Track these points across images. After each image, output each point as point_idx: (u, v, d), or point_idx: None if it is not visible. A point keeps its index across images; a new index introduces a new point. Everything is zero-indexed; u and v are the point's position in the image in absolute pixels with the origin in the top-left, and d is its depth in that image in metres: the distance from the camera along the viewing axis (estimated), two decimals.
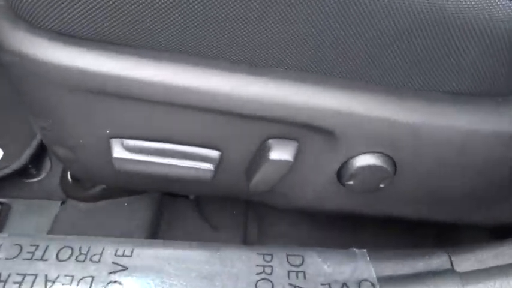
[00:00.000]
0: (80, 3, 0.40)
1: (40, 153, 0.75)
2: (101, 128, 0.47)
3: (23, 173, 0.73)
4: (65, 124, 0.48)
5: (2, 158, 0.72)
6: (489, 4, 0.39)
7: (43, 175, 0.76)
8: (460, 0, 0.38)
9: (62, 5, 0.40)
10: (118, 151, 0.48)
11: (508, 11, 0.38)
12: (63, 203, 0.69)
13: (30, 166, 0.74)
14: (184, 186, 0.56)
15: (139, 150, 0.48)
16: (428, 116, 0.46)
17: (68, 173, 0.70)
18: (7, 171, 0.70)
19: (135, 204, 0.67)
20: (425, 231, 0.71)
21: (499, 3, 0.39)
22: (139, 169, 0.49)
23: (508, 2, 0.39)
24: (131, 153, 0.48)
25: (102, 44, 0.41)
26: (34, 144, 0.74)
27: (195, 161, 0.49)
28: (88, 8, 0.40)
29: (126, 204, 0.66)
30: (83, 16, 0.40)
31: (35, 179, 0.75)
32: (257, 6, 0.37)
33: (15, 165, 0.71)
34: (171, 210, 0.72)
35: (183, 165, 0.49)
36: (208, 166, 0.49)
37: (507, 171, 0.53)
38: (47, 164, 0.77)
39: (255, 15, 0.38)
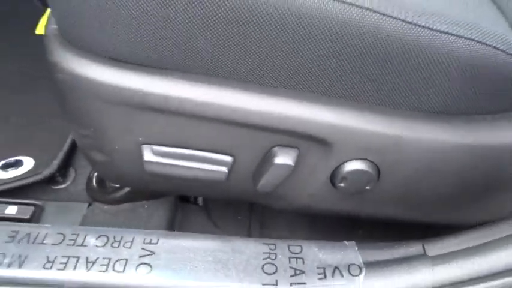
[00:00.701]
0: (119, 34, 0.49)
1: (66, 164, 0.84)
2: (135, 136, 0.56)
3: (51, 180, 0.82)
4: (104, 133, 0.57)
5: (34, 166, 0.81)
6: (451, 41, 0.49)
7: (68, 183, 0.84)
8: (431, 38, 0.49)
9: (105, 35, 0.50)
10: (148, 155, 0.57)
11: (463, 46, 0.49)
12: (89, 205, 0.78)
13: (57, 174, 0.82)
14: (201, 188, 0.65)
15: (166, 155, 0.57)
16: (407, 130, 0.56)
17: (94, 178, 0.79)
18: (39, 177, 0.78)
19: (154, 207, 0.76)
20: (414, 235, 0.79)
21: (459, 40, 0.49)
22: (165, 171, 0.58)
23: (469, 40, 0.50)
24: (159, 157, 0.57)
25: (144, 67, 0.51)
26: (61, 155, 0.83)
27: (211, 164, 0.58)
28: (126, 38, 0.49)
29: (146, 206, 0.75)
30: (124, 45, 0.50)
31: (61, 186, 0.83)
32: (269, 46, 0.48)
33: (46, 172, 0.79)
34: (183, 214, 0.80)
35: (202, 167, 0.58)
36: (223, 169, 0.58)
37: (476, 179, 0.63)
38: (72, 173, 0.85)
39: (266, 51, 0.48)
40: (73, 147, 0.86)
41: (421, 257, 0.53)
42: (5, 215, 0.73)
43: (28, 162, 0.82)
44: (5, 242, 0.55)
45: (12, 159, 0.82)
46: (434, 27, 0.48)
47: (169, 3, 0.46)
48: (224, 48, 0.48)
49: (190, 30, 0.47)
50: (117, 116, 0.55)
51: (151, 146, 0.57)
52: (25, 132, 0.87)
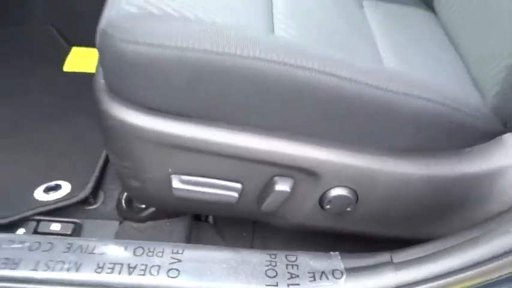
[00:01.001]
0: (157, 91, 0.64)
1: (97, 187, 0.99)
2: (166, 168, 0.70)
3: (84, 201, 0.95)
4: (141, 165, 0.71)
5: (71, 189, 0.96)
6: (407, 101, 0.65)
7: (98, 204, 0.96)
8: (396, 101, 0.64)
9: (145, 90, 0.65)
10: (176, 183, 0.71)
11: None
12: (120, 223, 0.92)
13: (90, 196, 0.96)
14: (215, 209, 0.80)
15: (191, 183, 0.71)
16: (378, 164, 0.70)
17: (123, 200, 0.94)
18: (76, 199, 0.93)
19: (174, 224, 0.91)
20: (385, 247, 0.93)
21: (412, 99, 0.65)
22: (189, 195, 0.72)
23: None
24: (185, 185, 0.72)
25: (176, 116, 0.66)
26: (93, 179, 0.98)
27: (225, 190, 0.72)
28: (163, 94, 0.63)
29: (168, 224, 0.90)
30: (160, 99, 0.65)
31: (92, 207, 0.96)
32: (277, 107, 0.64)
33: (82, 194, 0.94)
34: (197, 230, 0.95)
35: (218, 192, 0.72)
36: (234, 194, 0.71)
37: (435, 203, 0.77)
38: (102, 196, 0.99)
39: (274, 108, 0.64)
40: (103, 172, 1.01)
41: (388, 264, 0.67)
42: (51, 231, 0.88)
43: (66, 186, 0.96)
44: (64, 252, 0.69)
45: (52, 183, 0.97)
46: (394, 90, 0.64)
47: (196, 77, 0.61)
48: (241, 104, 0.64)
49: (214, 92, 0.63)
50: (153, 153, 0.69)
51: (179, 175, 0.72)
52: (62, 159, 1.02)
